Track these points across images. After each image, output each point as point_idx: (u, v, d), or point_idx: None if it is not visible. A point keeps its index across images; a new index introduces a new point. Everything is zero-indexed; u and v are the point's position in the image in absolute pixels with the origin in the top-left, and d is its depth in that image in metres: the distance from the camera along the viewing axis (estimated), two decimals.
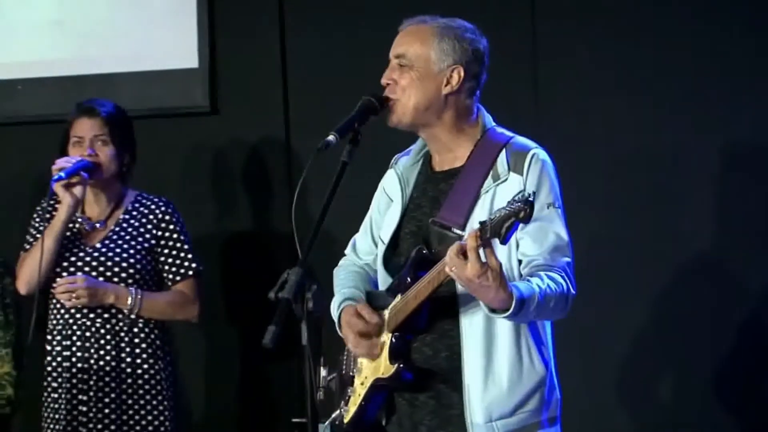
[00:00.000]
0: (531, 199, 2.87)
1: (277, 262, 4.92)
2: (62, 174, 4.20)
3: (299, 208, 3.11)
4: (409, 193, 3.38)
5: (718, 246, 4.64)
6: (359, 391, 3.34)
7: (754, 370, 4.62)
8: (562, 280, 3.14)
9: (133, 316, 4.28)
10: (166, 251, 4.37)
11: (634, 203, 4.70)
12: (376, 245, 3.48)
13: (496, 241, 2.93)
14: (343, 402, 3.40)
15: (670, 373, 4.70)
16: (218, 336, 5.09)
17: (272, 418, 5.06)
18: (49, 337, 4.35)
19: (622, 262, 4.68)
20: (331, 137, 3.13)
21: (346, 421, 3.36)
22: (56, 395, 4.30)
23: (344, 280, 3.48)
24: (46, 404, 4.33)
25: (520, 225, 2.91)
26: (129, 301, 4.26)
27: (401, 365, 3.21)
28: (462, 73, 3.27)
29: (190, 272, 4.37)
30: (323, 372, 3.45)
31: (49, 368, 4.33)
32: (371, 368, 3.32)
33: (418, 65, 3.27)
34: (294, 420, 4.45)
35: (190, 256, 4.38)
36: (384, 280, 3.38)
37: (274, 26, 5.04)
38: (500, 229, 2.88)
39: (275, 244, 4.95)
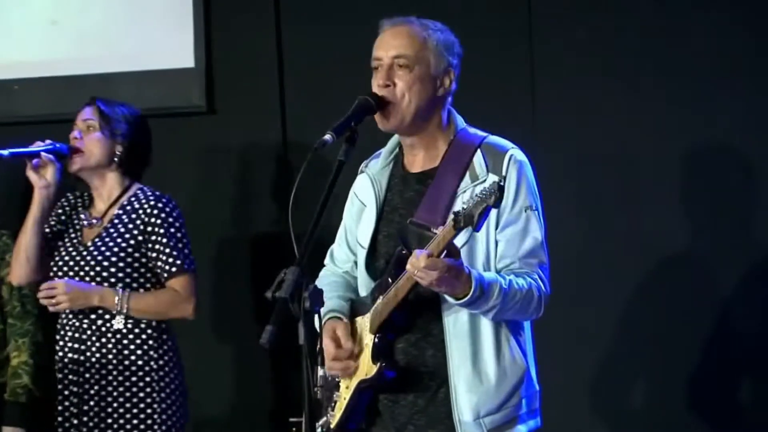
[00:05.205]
0: (502, 183, 2.92)
1: (274, 262, 4.90)
2: (3, 152, 4.21)
3: (296, 207, 3.11)
4: (383, 195, 3.39)
5: (691, 246, 4.64)
6: (344, 395, 3.35)
7: (727, 369, 4.62)
8: (532, 280, 3.19)
9: (122, 318, 4.23)
10: (152, 246, 4.28)
11: (608, 204, 4.71)
12: (353, 253, 3.50)
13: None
14: (329, 407, 3.40)
15: (643, 372, 4.70)
16: (215, 335, 5.09)
17: (269, 418, 5.06)
18: (55, 334, 4.37)
19: (596, 262, 4.69)
20: (327, 136, 3.13)
21: (332, 426, 3.36)
22: (60, 387, 4.33)
23: (327, 290, 3.39)
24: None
25: (492, 210, 2.96)
26: (115, 301, 4.22)
27: (383, 364, 3.23)
28: (452, 76, 3.31)
29: (174, 269, 4.26)
30: (320, 371, 3.45)
31: (53, 363, 4.36)
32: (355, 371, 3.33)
33: (419, 67, 3.27)
34: (291, 419, 4.45)
35: (175, 253, 4.27)
36: (366, 284, 3.38)
37: (271, 26, 5.05)
38: (473, 217, 2.93)
39: (272, 243, 4.94)
